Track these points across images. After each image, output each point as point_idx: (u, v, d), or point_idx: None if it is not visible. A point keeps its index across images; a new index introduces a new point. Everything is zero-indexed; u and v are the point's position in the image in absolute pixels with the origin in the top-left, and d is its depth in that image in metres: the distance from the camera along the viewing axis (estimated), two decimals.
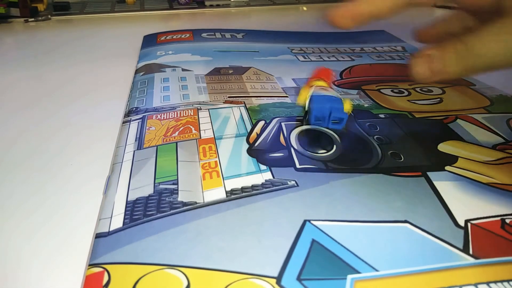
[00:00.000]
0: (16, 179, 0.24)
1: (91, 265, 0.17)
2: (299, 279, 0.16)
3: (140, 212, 0.20)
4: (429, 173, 0.23)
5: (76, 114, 0.32)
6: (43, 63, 0.44)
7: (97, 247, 0.18)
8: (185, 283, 0.16)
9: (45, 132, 0.29)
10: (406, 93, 0.33)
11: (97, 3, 0.74)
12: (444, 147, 0.26)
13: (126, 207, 0.20)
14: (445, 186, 0.22)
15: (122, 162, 0.24)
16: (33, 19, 0.63)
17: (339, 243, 0.18)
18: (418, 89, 0.34)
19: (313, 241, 0.18)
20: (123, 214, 0.20)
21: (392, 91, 0.34)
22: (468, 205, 0.21)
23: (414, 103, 0.32)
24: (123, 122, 0.29)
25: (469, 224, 0.19)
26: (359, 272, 0.17)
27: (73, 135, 0.29)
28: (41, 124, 0.30)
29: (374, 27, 0.55)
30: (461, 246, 0.18)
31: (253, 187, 0.22)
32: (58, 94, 0.36)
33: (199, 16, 0.66)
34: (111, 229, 0.19)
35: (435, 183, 0.22)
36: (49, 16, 0.64)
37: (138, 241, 0.18)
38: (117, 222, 0.19)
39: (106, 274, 0.17)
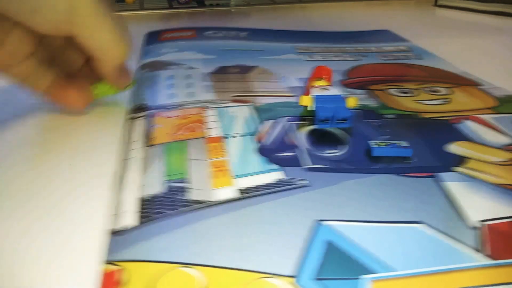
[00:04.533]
0: (22, 178, 0.24)
1: (107, 262, 0.17)
2: (315, 278, 0.16)
3: (155, 209, 0.20)
4: (440, 174, 0.23)
5: (76, 112, 0.31)
6: None
7: (112, 245, 0.18)
8: (204, 282, 0.16)
9: (45, 132, 0.29)
10: (413, 93, 0.33)
11: None
12: (454, 148, 0.25)
13: (138, 204, 0.20)
14: (457, 187, 0.22)
15: (130, 159, 0.24)
16: None
17: (353, 243, 0.18)
18: (426, 89, 0.34)
19: (328, 240, 0.18)
20: (136, 212, 0.20)
21: (399, 91, 0.34)
22: (480, 206, 0.21)
23: (421, 103, 0.32)
24: (130, 119, 0.29)
25: (483, 225, 0.19)
26: (374, 272, 0.17)
27: (76, 134, 0.28)
28: (42, 123, 0.30)
29: (378, 27, 0.55)
30: (476, 247, 0.18)
31: (266, 186, 0.22)
32: None
33: (199, 15, 0.66)
34: (125, 227, 0.19)
35: (447, 183, 0.22)
36: None
37: (154, 238, 0.18)
38: (131, 219, 0.19)
39: (123, 271, 0.16)
